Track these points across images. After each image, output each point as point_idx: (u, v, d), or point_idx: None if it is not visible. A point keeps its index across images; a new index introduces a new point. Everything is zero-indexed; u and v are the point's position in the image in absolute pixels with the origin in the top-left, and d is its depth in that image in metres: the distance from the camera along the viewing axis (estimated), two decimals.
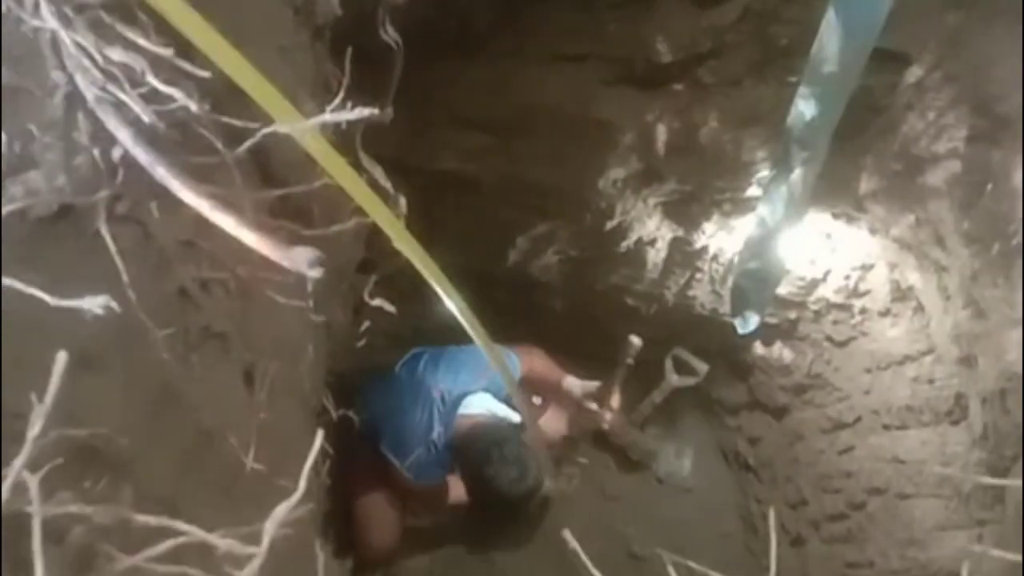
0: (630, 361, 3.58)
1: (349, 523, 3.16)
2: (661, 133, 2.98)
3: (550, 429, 3.56)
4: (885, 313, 3.29)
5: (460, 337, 3.43)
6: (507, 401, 3.28)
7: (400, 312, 2.50)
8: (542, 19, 2.77)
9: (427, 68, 2.61)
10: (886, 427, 3.29)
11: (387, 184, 2.10)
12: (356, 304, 2.72)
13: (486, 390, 3.28)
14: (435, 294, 3.96)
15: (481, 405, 3.19)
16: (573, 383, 3.52)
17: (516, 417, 3.22)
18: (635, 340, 3.48)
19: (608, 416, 3.59)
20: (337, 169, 0.90)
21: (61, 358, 0.67)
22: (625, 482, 3.87)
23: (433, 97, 2.92)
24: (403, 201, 2.34)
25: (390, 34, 2.12)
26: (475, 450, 3.09)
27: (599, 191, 3.17)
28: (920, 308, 3.19)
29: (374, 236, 2.54)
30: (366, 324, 2.84)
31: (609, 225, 3.32)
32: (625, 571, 3.58)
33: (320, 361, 1.55)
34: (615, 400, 3.55)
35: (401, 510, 3.24)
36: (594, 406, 3.52)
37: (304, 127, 0.93)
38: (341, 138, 1.21)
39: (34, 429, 0.63)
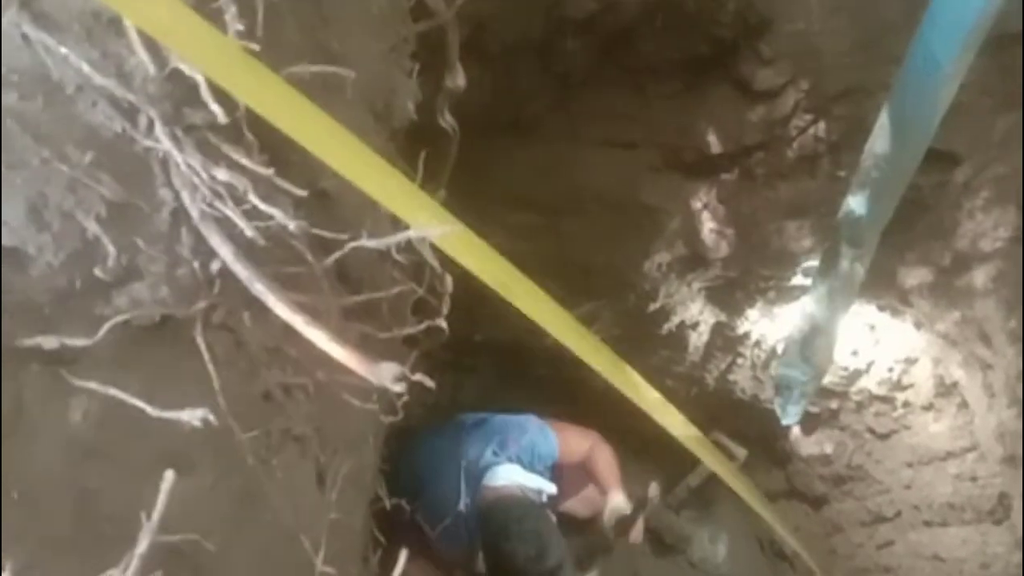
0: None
1: None
2: (707, 220, 3.01)
3: (585, 507, 3.51)
4: (928, 408, 3.26)
5: (495, 406, 3.47)
6: (545, 476, 3.23)
7: (439, 383, 2.53)
8: (595, 105, 2.83)
9: (481, 148, 2.67)
10: (927, 523, 3.24)
11: (434, 262, 2.14)
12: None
13: (516, 461, 3.22)
14: (474, 367, 3.98)
15: (507, 476, 3.12)
16: (614, 501, 3.29)
17: (547, 490, 3.15)
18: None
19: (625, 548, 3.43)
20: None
21: (169, 476, 0.70)
22: (659, 566, 3.82)
23: (485, 175, 2.97)
24: (449, 279, 2.38)
25: (447, 120, 2.19)
26: (495, 523, 2.97)
27: (644, 273, 3.20)
28: (964, 404, 3.17)
29: (418, 309, 2.59)
30: (405, 398, 2.86)
31: (652, 307, 3.33)
32: None
33: (378, 450, 1.57)
34: (636, 534, 3.39)
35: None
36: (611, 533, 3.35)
37: (391, 242, 0.96)
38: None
39: (141, 546, 0.66)
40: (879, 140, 2.25)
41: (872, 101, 2.42)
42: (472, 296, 3.03)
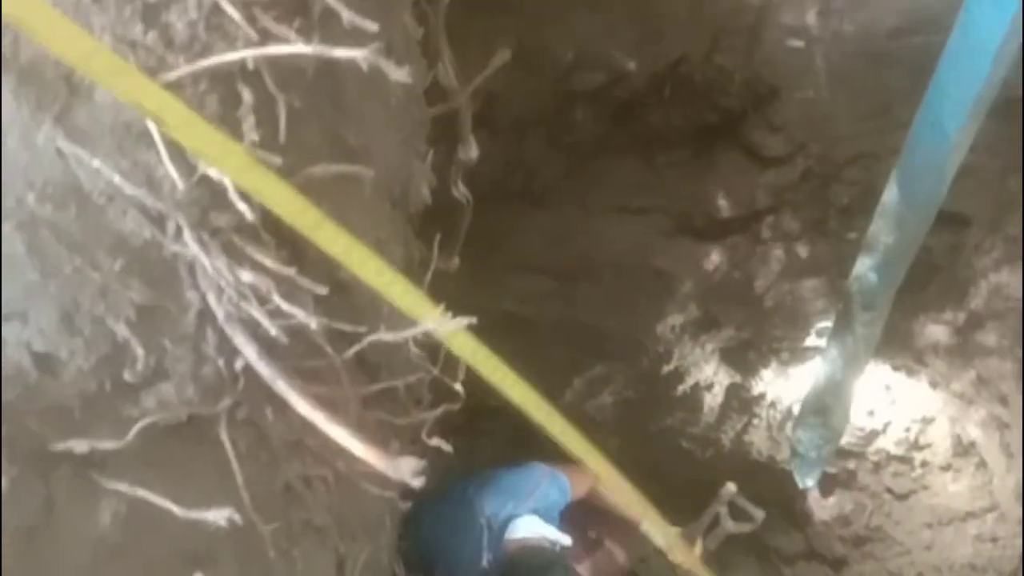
0: (722, 509, 3.40)
1: None
2: (719, 283, 3.04)
3: (607, 564, 3.47)
4: (946, 468, 3.25)
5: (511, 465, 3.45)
6: (558, 524, 3.21)
7: (454, 447, 2.54)
8: (605, 174, 2.87)
9: (494, 217, 2.71)
10: None
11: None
12: (412, 440, 2.75)
13: (534, 512, 3.20)
14: (489, 431, 3.98)
15: (528, 528, 3.10)
16: (655, 526, 3.36)
17: (563, 541, 3.14)
18: (730, 487, 3.32)
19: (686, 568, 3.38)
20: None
21: None
22: None
23: (498, 242, 3.01)
24: None
25: (461, 191, 2.23)
26: (521, 573, 3.01)
27: (657, 336, 3.21)
28: (983, 464, 3.15)
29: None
30: (423, 463, 2.86)
31: (666, 369, 3.34)
32: None
33: (395, 529, 1.58)
34: (698, 549, 3.36)
35: None
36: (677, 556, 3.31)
37: (407, 335, 0.99)
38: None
39: None
40: (888, 205, 2.28)
41: (881, 166, 2.46)
42: None
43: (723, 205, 2.84)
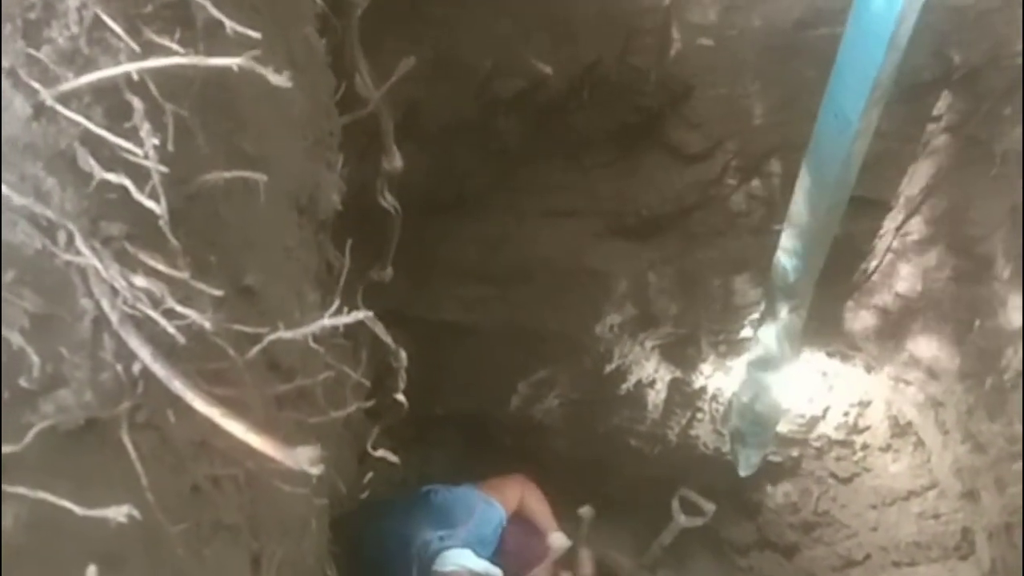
0: (585, 531, 3.44)
1: None
2: (653, 280, 3.09)
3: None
4: (886, 449, 3.32)
5: (461, 480, 3.48)
6: (488, 557, 3.21)
7: (405, 460, 2.54)
8: (534, 178, 2.92)
9: (426, 226, 2.74)
10: (895, 564, 3.28)
11: (387, 339, 2.19)
12: (360, 454, 2.76)
13: (465, 545, 3.20)
14: (439, 441, 3.99)
15: (457, 562, 3.04)
16: (556, 541, 3.34)
17: (497, 573, 3.13)
18: (585, 512, 3.38)
19: None
20: None
21: (92, 571, 0.74)
22: None
23: (432, 252, 3.04)
24: (403, 355, 2.42)
25: (388, 200, 2.25)
26: None
27: (597, 336, 3.26)
28: (920, 443, 3.23)
29: (377, 388, 2.62)
30: (370, 475, 2.87)
31: (608, 368, 3.39)
32: None
33: (323, 531, 1.60)
34: (586, 567, 3.39)
35: None
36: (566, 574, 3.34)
37: (306, 332, 1.02)
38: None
39: None
40: (800, 195, 2.35)
41: (797, 156, 2.53)
42: (431, 369, 3.08)
43: (651, 203, 2.90)
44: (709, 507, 3.78)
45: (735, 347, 3.26)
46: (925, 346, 2.90)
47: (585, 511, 3.10)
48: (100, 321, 0.91)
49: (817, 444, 3.48)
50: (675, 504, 3.80)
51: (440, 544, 3.07)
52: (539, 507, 3.40)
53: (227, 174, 1.03)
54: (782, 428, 3.39)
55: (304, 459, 0.88)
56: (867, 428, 3.37)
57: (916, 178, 2.73)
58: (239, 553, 1.06)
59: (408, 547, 3.08)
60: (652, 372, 3.43)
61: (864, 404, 3.34)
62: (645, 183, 2.86)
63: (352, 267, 1.63)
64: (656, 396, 3.51)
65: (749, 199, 2.82)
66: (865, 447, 3.39)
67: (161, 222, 0.94)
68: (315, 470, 0.88)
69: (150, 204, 0.92)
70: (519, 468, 3.50)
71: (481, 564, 3.08)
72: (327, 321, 1.02)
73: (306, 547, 1.34)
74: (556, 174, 2.90)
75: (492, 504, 3.24)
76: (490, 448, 3.87)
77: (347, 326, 1.16)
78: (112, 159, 0.94)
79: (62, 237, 0.90)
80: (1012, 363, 2.62)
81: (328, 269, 1.64)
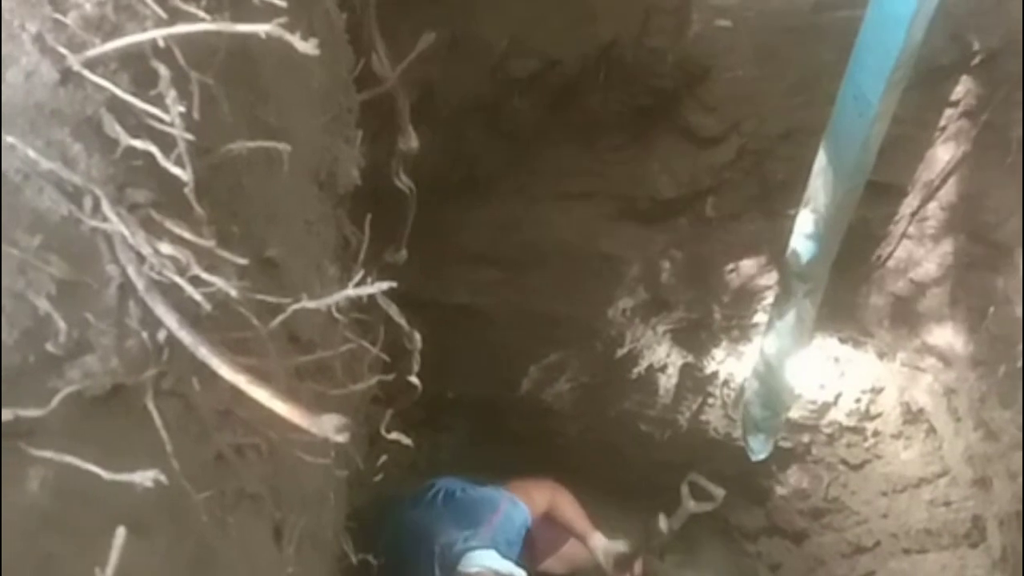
0: (664, 529, 3.46)
1: None
2: (666, 264, 3.08)
3: (563, 566, 3.49)
4: (898, 436, 3.32)
5: (472, 466, 3.48)
6: (514, 559, 3.20)
7: (416, 443, 2.55)
8: (547, 161, 2.91)
9: (439, 208, 2.73)
10: (905, 551, 3.27)
11: (401, 321, 2.19)
12: (372, 436, 2.76)
13: (490, 545, 3.18)
14: (449, 425, 4.01)
15: (482, 563, 3.02)
16: (599, 543, 3.34)
17: (519, 574, 3.12)
18: (663, 525, 3.32)
19: None
20: None
21: (120, 533, 0.74)
22: None
23: (445, 235, 3.03)
24: (417, 336, 2.43)
25: (403, 181, 2.25)
26: None
27: (608, 320, 3.26)
28: (932, 430, 3.22)
29: (389, 370, 2.62)
30: (383, 458, 2.88)
31: (620, 353, 3.39)
32: None
33: (340, 507, 1.60)
34: (638, 567, 3.35)
35: None
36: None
37: (328, 302, 1.01)
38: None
39: None
40: (818, 178, 2.34)
41: (813, 140, 2.51)
42: (442, 353, 3.08)
43: (665, 187, 2.89)
44: (719, 492, 3.77)
45: (748, 332, 3.25)
46: (938, 333, 2.89)
47: (664, 522, 3.10)
48: (126, 288, 0.90)
49: (828, 430, 3.47)
50: (684, 489, 3.80)
51: (464, 545, 3.05)
52: (572, 511, 3.38)
53: (251, 144, 1.03)
54: (793, 414, 3.39)
55: (330, 427, 0.87)
56: (879, 415, 3.36)
57: (932, 164, 2.71)
58: (262, 522, 1.07)
59: (431, 546, 3.05)
60: (664, 357, 3.43)
61: (876, 391, 3.33)
62: (659, 166, 2.85)
63: (366, 248, 1.62)
64: (667, 381, 3.51)
65: (764, 183, 2.81)
66: (876, 434, 3.38)
67: (187, 190, 0.94)
68: (341, 437, 0.88)
69: (176, 171, 0.92)
70: (531, 454, 3.51)
71: (506, 565, 3.07)
72: (350, 291, 1.02)
73: (325, 520, 1.34)
74: (569, 157, 2.89)
75: (517, 504, 3.22)
76: (500, 431, 3.88)
77: (363, 307, 1.16)
78: (138, 126, 0.94)
79: (88, 203, 0.90)
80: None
81: (345, 245, 1.64)
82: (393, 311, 2.05)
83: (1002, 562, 2.80)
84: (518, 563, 3.09)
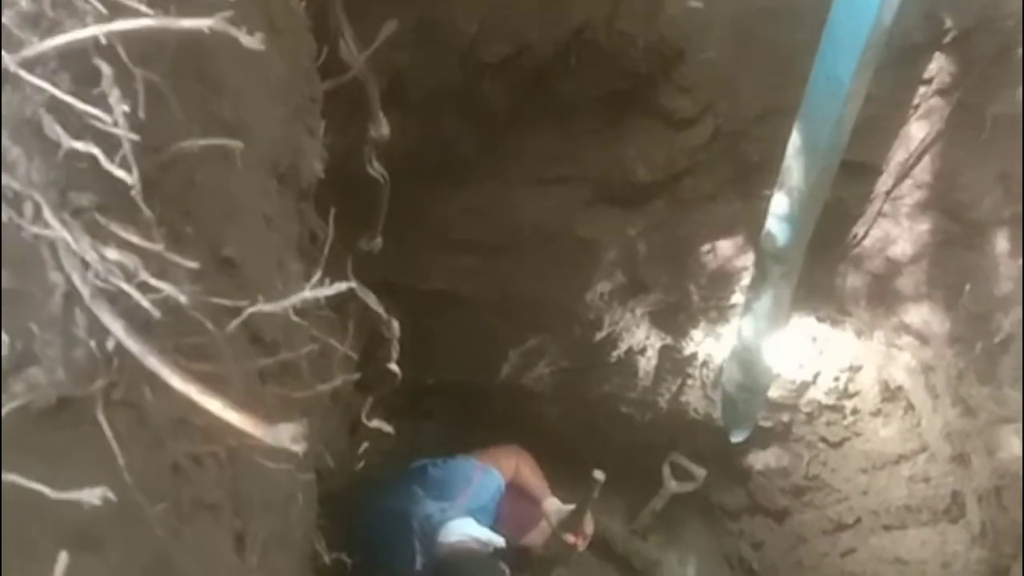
0: (595, 493, 3.40)
1: None
2: (643, 247, 3.07)
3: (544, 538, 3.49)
4: (876, 413, 3.32)
5: (454, 452, 3.47)
6: (493, 517, 3.22)
7: (397, 430, 2.53)
8: (523, 146, 2.89)
9: (414, 194, 2.70)
10: (886, 527, 3.29)
11: (379, 309, 2.16)
12: (351, 425, 2.74)
13: (467, 514, 3.19)
14: (430, 411, 3.99)
15: (461, 531, 3.06)
16: (551, 506, 3.35)
17: (499, 542, 3.13)
18: (598, 475, 3.32)
19: (581, 546, 3.34)
20: None
21: (63, 559, 0.71)
22: None
23: (421, 221, 3.01)
24: (395, 324, 2.40)
25: (376, 169, 2.22)
26: None
27: (587, 304, 3.24)
28: (910, 407, 3.23)
29: (367, 358, 2.60)
30: (364, 446, 2.86)
31: (598, 336, 3.37)
32: None
33: (311, 506, 1.58)
34: (588, 527, 3.33)
35: None
36: (569, 537, 3.25)
37: (288, 304, 0.99)
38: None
39: None
40: (792, 158, 2.32)
41: (787, 120, 2.49)
42: (421, 339, 3.06)
43: (641, 170, 2.87)
44: (700, 472, 3.79)
45: (725, 313, 3.24)
46: (915, 311, 2.89)
47: (597, 474, 3.10)
48: (71, 296, 0.87)
49: (807, 409, 3.47)
50: (666, 470, 3.81)
51: (442, 516, 3.07)
52: (533, 476, 3.41)
53: (203, 141, 0.99)
54: (772, 393, 3.39)
55: (286, 436, 0.85)
56: (857, 393, 3.36)
57: (906, 142, 2.71)
58: (222, 531, 1.04)
59: (409, 523, 3.08)
60: (642, 339, 3.42)
61: (855, 369, 3.33)
62: (634, 149, 2.83)
63: (339, 237, 1.59)
64: (647, 363, 3.50)
65: (740, 164, 2.79)
66: (855, 412, 3.38)
67: (133, 192, 0.90)
68: (297, 448, 0.85)
69: (121, 173, 0.89)
70: (512, 439, 3.50)
71: (484, 532, 3.09)
72: (308, 293, 0.99)
73: (293, 522, 1.32)
74: (544, 141, 2.86)
75: (490, 472, 3.24)
76: (480, 417, 3.87)
77: (335, 298, 1.14)
78: (81, 127, 0.90)
79: (29, 209, 0.87)
80: (1003, 327, 2.61)
81: (312, 239, 1.61)
82: (370, 299, 2.03)
83: (981, 537, 2.82)
84: (492, 529, 3.12)
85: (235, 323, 0.99)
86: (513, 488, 3.39)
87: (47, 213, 0.86)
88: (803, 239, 2.52)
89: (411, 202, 2.68)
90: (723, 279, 3.09)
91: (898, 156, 2.72)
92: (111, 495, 0.80)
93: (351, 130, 2.04)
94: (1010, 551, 2.67)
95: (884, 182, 2.78)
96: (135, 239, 0.90)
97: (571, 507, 3.23)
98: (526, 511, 3.37)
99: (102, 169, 0.90)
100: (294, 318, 1.07)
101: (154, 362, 0.86)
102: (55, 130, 0.88)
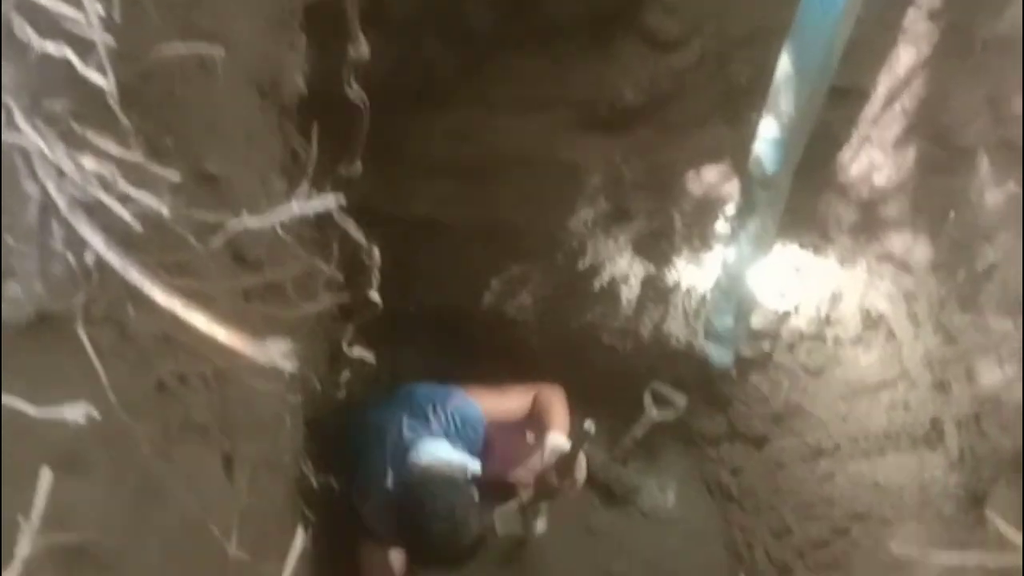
0: (588, 430, 3.38)
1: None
2: (627, 173, 3.03)
3: (531, 475, 3.50)
4: (857, 341, 3.33)
5: (435, 376, 3.47)
6: (472, 448, 3.22)
7: (378, 358, 2.52)
8: (505, 68, 2.82)
9: (394, 119, 2.64)
10: (865, 453, 3.32)
11: (359, 236, 2.13)
12: (334, 352, 2.73)
13: (441, 434, 3.18)
14: (412, 339, 3.97)
15: (433, 453, 3.04)
16: (553, 440, 3.25)
17: (473, 467, 3.10)
18: (589, 426, 3.15)
19: (569, 493, 3.29)
20: None
21: (45, 475, 0.69)
22: (609, 518, 3.88)
23: (401, 146, 2.95)
24: (376, 252, 2.37)
25: (355, 91, 2.16)
26: (414, 499, 2.93)
27: (570, 231, 3.21)
28: (891, 335, 3.23)
29: (348, 286, 2.57)
30: (346, 375, 2.84)
31: (581, 264, 3.35)
32: None
33: (298, 429, 1.56)
34: (580, 473, 3.28)
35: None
36: (555, 479, 3.18)
37: (272, 220, 0.95)
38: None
39: (23, 548, 0.65)
40: (781, 81, 2.28)
41: (776, 42, 2.44)
42: (402, 267, 3.03)
43: (626, 93, 2.81)
44: (680, 400, 3.81)
45: (709, 242, 3.22)
46: (899, 238, 2.88)
47: (588, 425, 3.09)
48: (47, 207, 0.84)
49: (788, 338, 3.48)
50: (647, 398, 3.82)
51: (412, 434, 3.08)
52: (550, 408, 3.36)
53: (183, 47, 0.95)
54: (754, 322, 3.39)
55: (276, 352, 0.82)
56: (839, 321, 3.36)
57: (894, 66, 2.66)
58: (210, 453, 1.02)
59: (384, 440, 3.09)
60: (626, 268, 3.40)
61: (836, 297, 3.33)
62: (619, 72, 2.78)
63: (319, 161, 1.55)
64: (629, 292, 3.48)
65: (726, 88, 2.75)
66: (836, 340, 3.39)
67: (110, 99, 0.86)
68: (288, 364, 0.83)
69: (96, 78, 0.84)
70: (494, 367, 3.50)
71: (457, 455, 3.09)
72: (295, 207, 0.95)
73: (281, 445, 1.30)
74: (527, 63, 2.80)
75: (469, 402, 3.24)
76: (462, 344, 3.86)
77: (317, 222, 1.10)
78: (53, 29, 0.85)
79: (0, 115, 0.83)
80: (986, 255, 2.61)
81: (294, 159, 1.56)
82: (350, 226, 1.99)
83: (959, 463, 2.85)
84: (475, 457, 3.14)
85: (219, 238, 0.96)
86: (513, 425, 3.37)
87: (19, 118, 0.82)
88: (791, 164, 2.49)
89: (391, 126, 2.62)
90: (707, 206, 3.06)
91: (885, 81, 2.68)
92: (95, 413, 0.77)
93: (329, 50, 1.98)
94: (987, 476, 2.70)
95: (871, 107, 2.74)
96: (113, 148, 0.86)
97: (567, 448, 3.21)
98: (517, 446, 3.36)
99: (77, 75, 0.86)
100: (280, 233, 1.04)
101: (136, 276, 0.82)
102: (26, 31, 0.83)
